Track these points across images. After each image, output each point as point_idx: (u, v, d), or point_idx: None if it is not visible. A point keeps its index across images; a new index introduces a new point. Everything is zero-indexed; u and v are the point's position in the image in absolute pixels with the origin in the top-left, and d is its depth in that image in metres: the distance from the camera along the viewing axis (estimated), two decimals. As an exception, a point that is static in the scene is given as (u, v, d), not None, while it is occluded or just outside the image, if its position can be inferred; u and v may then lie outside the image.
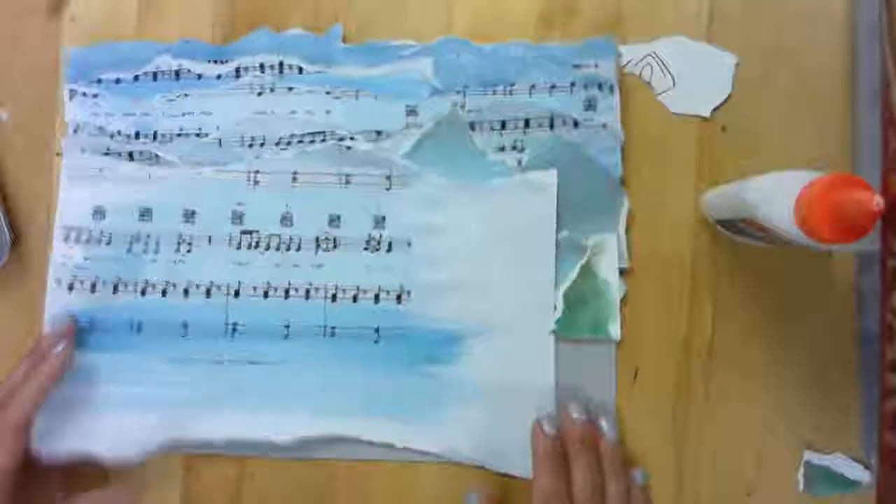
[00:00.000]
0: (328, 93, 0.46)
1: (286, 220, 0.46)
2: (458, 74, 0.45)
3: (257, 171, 0.46)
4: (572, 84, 0.44)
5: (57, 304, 0.47)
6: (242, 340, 0.45)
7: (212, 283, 0.46)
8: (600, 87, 0.44)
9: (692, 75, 0.44)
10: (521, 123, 0.45)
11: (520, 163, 0.45)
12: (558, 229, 0.44)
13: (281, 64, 0.47)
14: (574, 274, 0.44)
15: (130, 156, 0.48)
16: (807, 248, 0.33)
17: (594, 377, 0.44)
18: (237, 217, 0.46)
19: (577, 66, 0.44)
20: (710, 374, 0.43)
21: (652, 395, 0.44)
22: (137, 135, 0.48)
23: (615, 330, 0.43)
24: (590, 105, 0.44)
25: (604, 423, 0.41)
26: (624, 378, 0.44)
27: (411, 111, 0.46)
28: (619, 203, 0.44)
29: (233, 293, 0.46)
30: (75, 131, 0.48)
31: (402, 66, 0.46)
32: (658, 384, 0.44)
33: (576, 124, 0.44)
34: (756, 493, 0.43)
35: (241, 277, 0.46)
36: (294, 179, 0.46)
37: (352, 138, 0.46)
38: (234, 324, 0.46)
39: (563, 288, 0.44)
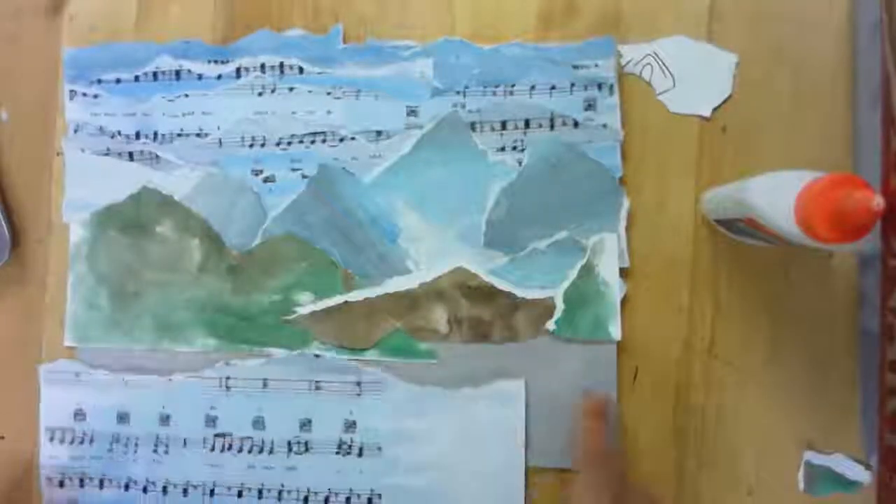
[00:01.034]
0: (329, 93, 0.46)
1: (258, 423, 0.47)
2: (458, 75, 0.45)
3: (228, 378, 0.47)
4: (572, 84, 0.44)
5: (51, 495, 0.49)
6: None
7: (188, 482, 0.48)
8: (600, 87, 0.44)
9: (692, 75, 0.44)
10: (522, 124, 0.45)
11: (520, 163, 0.45)
12: (558, 230, 0.44)
13: (281, 64, 0.47)
14: (574, 274, 0.44)
15: (130, 156, 0.48)
16: (807, 248, 0.33)
17: (595, 378, 0.44)
18: (210, 420, 0.47)
19: (576, 67, 0.44)
20: (710, 374, 0.43)
21: (652, 395, 0.44)
22: (138, 135, 0.48)
23: (615, 330, 0.43)
24: (590, 105, 0.44)
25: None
26: (624, 378, 0.44)
27: (412, 111, 0.46)
28: (619, 203, 0.44)
29: (208, 492, 0.47)
30: (75, 131, 0.48)
31: (403, 67, 0.46)
32: (658, 384, 0.44)
33: (576, 124, 0.44)
34: (756, 493, 0.43)
35: (216, 478, 0.47)
36: (265, 385, 0.47)
37: (352, 138, 0.46)
38: None
39: (562, 288, 0.44)
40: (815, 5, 0.43)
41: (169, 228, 0.48)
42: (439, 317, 0.45)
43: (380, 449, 0.46)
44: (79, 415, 0.49)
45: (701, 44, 0.44)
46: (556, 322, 0.44)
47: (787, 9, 0.43)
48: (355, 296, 0.46)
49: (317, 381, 0.46)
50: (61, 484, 0.49)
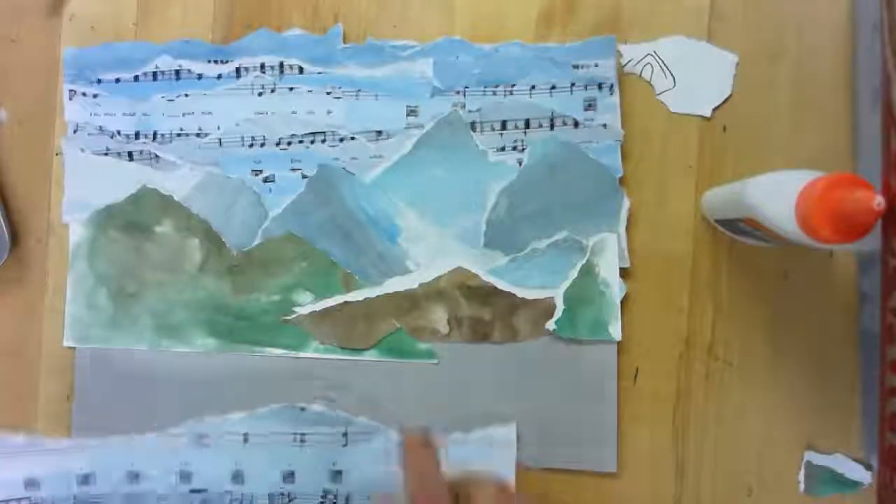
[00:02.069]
0: (329, 93, 0.46)
1: (237, 478, 0.46)
2: (458, 75, 0.45)
3: (203, 435, 0.46)
4: (572, 84, 0.44)
5: None
6: None
7: None
8: (600, 87, 0.44)
9: (692, 75, 0.44)
10: (522, 124, 0.45)
11: (520, 163, 0.45)
12: (558, 229, 0.44)
13: (281, 64, 0.47)
14: (574, 274, 0.44)
15: (130, 156, 0.48)
16: (807, 248, 0.33)
17: (594, 379, 0.44)
18: (185, 476, 0.46)
19: (576, 67, 0.44)
20: (710, 374, 0.43)
21: (652, 396, 0.44)
22: (137, 135, 0.48)
23: (616, 330, 0.43)
24: (590, 105, 0.44)
25: None
26: (624, 378, 0.44)
27: (412, 111, 0.46)
28: (619, 203, 0.44)
29: None
30: (75, 131, 0.48)
31: (403, 67, 0.46)
32: (658, 384, 0.44)
33: (576, 124, 0.44)
34: (756, 493, 0.43)
35: None
36: (245, 440, 0.46)
37: (352, 138, 0.46)
38: None
39: (563, 288, 0.44)
40: (815, 5, 0.43)
41: (169, 228, 0.48)
42: (439, 317, 0.45)
43: (368, 498, 0.45)
44: (31, 485, 0.46)
45: (701, 44, 0.44)
46: (557, 322, 0.44)
47: (787, 9, 0.43)
48: (355, 296, 0.46)
49: (302, 434, 0.46)
50: None
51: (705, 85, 0.44)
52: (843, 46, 0.43)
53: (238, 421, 0.46)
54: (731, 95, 0.43)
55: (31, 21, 0.50)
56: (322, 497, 0.45)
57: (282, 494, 0.45)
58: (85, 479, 0.46)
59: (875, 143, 0.39)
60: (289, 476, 0.45)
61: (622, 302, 0.44)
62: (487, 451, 0.43)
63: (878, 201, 0.28)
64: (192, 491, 0.46)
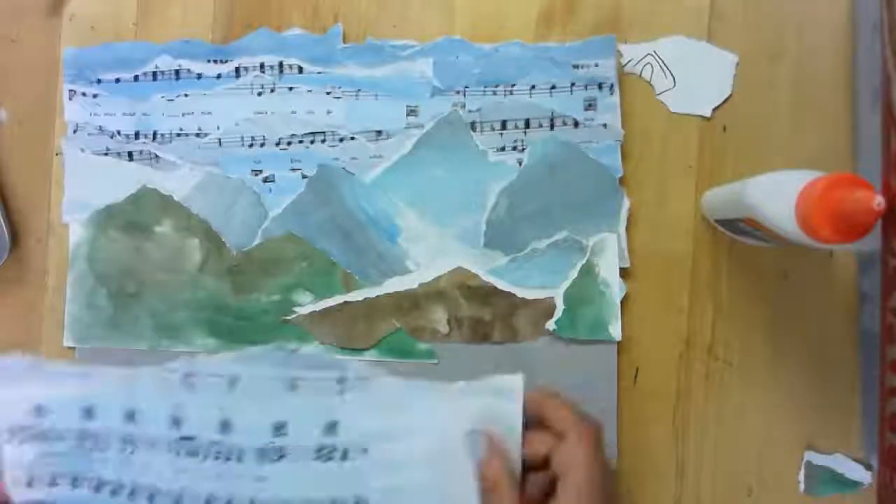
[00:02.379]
0: (328, 93, 0.46)
1: (225, 426, 0.42)
2: (458, 74, 0.45)
3: (191, 374, 0.42)
4: (572, 84, 0.44)
5: (21, 497, 0.44)
6: None
7: (156, 487, 0.42)
8: (600, 86, 0.44)
9: (692, 75, 0.44)
10: (522, 123, 0.45)
11: (520, 163, 0.45)
12: (558, 229, 0.44)
13: (281, 64, 0.47)
14: (574, 274, 0.44)
15: (130, 156, 0.48)
16: (807, 248, 0.33)
17: (594, 379, 0.44)
18: (175, 422, 0.42)
19: (577, 66, 0.44)
20: (710, 374, 0.43)
21: (652, 396, 0.44)
22: (137, 135, 0.48)
23: (616, 330, 0.43)
24: (590, 105, 0.44)
25: None
26: (624, 378, 0.44)
27: (412, 111, 0.46)
28: (619, 203, 0.44)
29: (175, 502, 0.42)
30: (75, 131, 0.48)
31: (403, 66, 0.46)
32: (658, 384, 0.44)
33: (576, 124, 0.44)
34: (756, 493, 0.43)
35: (184, 484, 0.42)
36: (232, 384, 0.42)
37: (352, 138, 0.46)
38: None
39: (563, 288, 0.44)
40: (815, 5, 0.43)
41: (168, 228, 0.48)
42: (439, 317, 0.45)
43: (365, 451, 0.41)
44: (40, 412, 0.44)
45: (701, 44, 0.44)
46: (557, 322, 0.44)
47: (787, 9, 0.43)
48: (355, 296, 0.46)
49: (293, 379, 0.42)
50: (29, 484, 0.44)
51: (705, 85, 0.44)
52: (843, 46, 0.43)
53: (228, 361, 0.42)
54: (731, 95, 0.43)
55: (31, 21, 0.50)
56: (317, 453, 0.41)
57: (273, 448, 0.41)
58: (87, 413, 0.44)
59: (875, 143, 0.39)
60: (280, 427, 0.41)
61: (622, 302, 0.44)
62: (493, 401, 0.40)
63: (878, 201, 0.28)
64: (182, 438, 0.42)
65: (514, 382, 0.40)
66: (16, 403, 0.44)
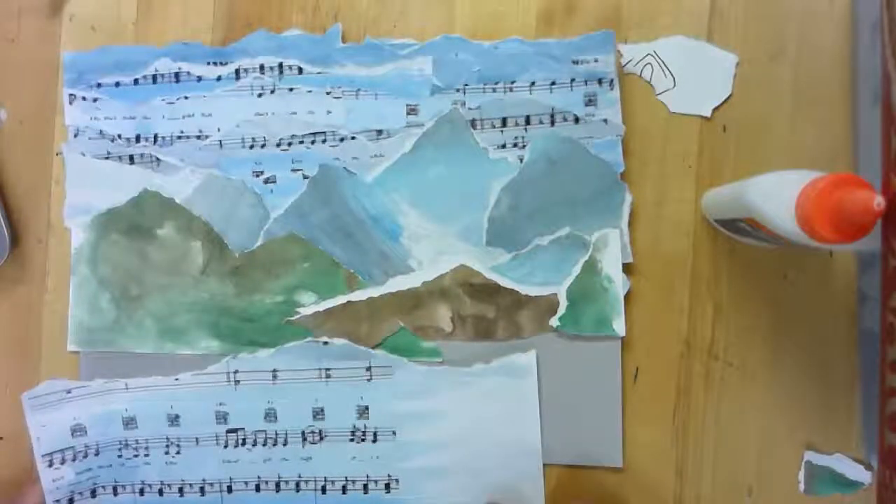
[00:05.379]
0: (328, 93, 0.46)
1: (270, 416, 0.47)
2: (457, 72, 0.45)
3: (237, 371, 0.47)
4: (572, 80, 0.44)
5: None
6: None
7: (204, 481, 0.48)
8: (600, 82, 0.44)
9: (692, 75, 0.44)
10: (522, 120, 0.45)
11: (521, 159, 0.45)
12: (560, 226, 0.44)
13: (280, 65, 0.47)
14: (577, 270, 0.44)
15: (131, 159, 0.48)
16: (807, 248, 0.33)
17: (598, 374, 0.44)
18: (221, 417, 0.47)
19: (576, 62, 0.44)
20: (710, 374, 0.43)
21: (652, 395, 0.44)
22: (138, 138, 0.48)
23: (620, 326, 0.43)
24: (590, 100, 0.44)
25: None
26: (624, 378, 0.44)
27: (412, 110, 0.46)
28: (621, 198, 0.44)
29: (226, 489, 0.47)
30: (76, 135, 0.48)
31: (402, 65, 0.46)
32: (658, 384, 0.44)
33: (577, 120, 0.44)
34: (756, 493, 0.43)
35: (232, 474, 0.47)
36: (274, 377, 0.47)
37: (353, 138, 0.46)
38: None
39: (566, 284, 0.44)
40: (815, 5, 0.43)
41: (171, 231, 0.48)
42: (443, 315, 0.45)
43: (394, 433, 0.46)
44: (77, 431, 0.48)
45: (701, 44, 0.44)
46: (560, 319, 0.44)
47: (787, 8, 0.43)
48: (358, 296, 0.46)
49: (327, 369, 0.46)
50: (70, 501, 0.48)
51: (705, 85, 0.44)
52: (843, 46, 0.42)
53: (267, 358, 0.47)
54: (731, 95, 0.43)
55: (31, 21, 0.50)
56: (352, 434, 0.46)
57: (313, 432, 0.47)
58: (128, 423, 0.48)
59: (875, 143, 0.39)
60: (319, 413, 0.46)
61: (625, 298, 0.44)
62: (509, 381, 0.44)
63: (878, 201, 0.28)
64: (229, 431, 0.47)
65: (529, 359, 0.43)
66: (53, 428, 0.47)
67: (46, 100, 0.49)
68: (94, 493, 0.48)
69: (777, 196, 0.32)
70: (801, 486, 0.42)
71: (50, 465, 0.47)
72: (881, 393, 0.37)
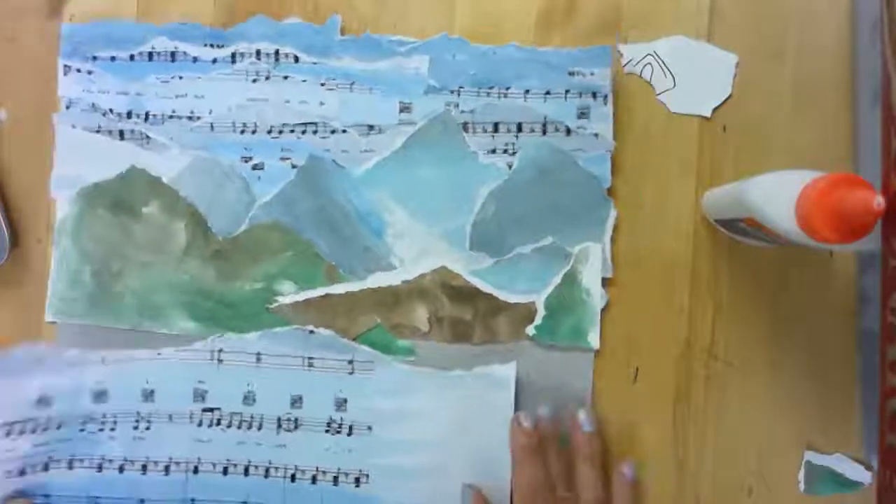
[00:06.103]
0: (323, 84, 0.46)
1: (249, 398, 0.46)
2: (453, 74, 0.45)
3: (221, 350, 0.46)
4: (567, 91, 0.44)
5: (10, 487, 0.46)
6: None
7: (171, 459, 0.46)
8: (595, 95, 0.44)
9: (692, 75, 0.44)
10: (514, 127, 0.45)
11: (510, 166, 0.45)
12: (544, 236, 0.44)
13: (277, 52, 0.46)
14: (557, 280, 0.44)
15: (121, 134, 0.47)
16: (807, 248, 0.33)
17: (570, 384, 0.44)
18: (199, 395, 0.46)
19: (572, 73, 0.44)
20: (709, 374, 0.43)
21: (652, 395, 0.44)
22: (129, 114, 0.47)
23: (595, 338, 0.44)
24: (583, 113, 0.44)
25: (581, 415, 0.42)
26: (624, 378, 0.44)
27: (405, 107, 0.46)
28: (605, 213, 0.44)
29: (192, 469, 0.46)
30: (68, 107, 0.48)
31: (399, 62, 0.46)
32: (658, 384, 0.44)
33: (568, 131, 0.44)
34: (756, 493, 0.43)
35: (202, 454, 0.46)
36: (258, 360, 0.46)
37: (344, 131, 0.46)
38: (193, 500, 0.46)
39: (545, 294, 0.44)
40: (815, 5, 0.43)
41: (155, 209, 0.47)
42: (420, 315, 0.45)
43: (370, 428, 0.45)
44: (42, 402, 0.46)
45: (701, 44, 0.44)
46: (537, 327, 0.44)
47: (786, 8, 0.43)
48: (337, 289, 0.46)
49: (310, 358, 0.46)
50: (22, 472, 0.45)
51: (705, 85, 0.44)
52: (843, 46, 0.43)
53: (253, 340, 0.46)
54: (731, 95, 0.43)
55: (31, 21, 0.49)
56: (328, 425, 0.46)
57: (289, 419, 0.46)
58: (98, 396, 0.46)
59: (875, 143, 0.39)
60: (297, 401, 0.46)
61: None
62: (487, 390, 0.44)
63: (878, 201, 0.28)
64: (205, 410, 0.46)
65: (508, 371, 0.44)
66: (18, 395, 0.46)
67: (46, 100, 0.49)
68: (46, 467, 0.46)
69: (777, 196, 0.32)
70: (801, 486, 0.42)
71: (7, 435, 0.45)
72: (881, 393, 0.37)
